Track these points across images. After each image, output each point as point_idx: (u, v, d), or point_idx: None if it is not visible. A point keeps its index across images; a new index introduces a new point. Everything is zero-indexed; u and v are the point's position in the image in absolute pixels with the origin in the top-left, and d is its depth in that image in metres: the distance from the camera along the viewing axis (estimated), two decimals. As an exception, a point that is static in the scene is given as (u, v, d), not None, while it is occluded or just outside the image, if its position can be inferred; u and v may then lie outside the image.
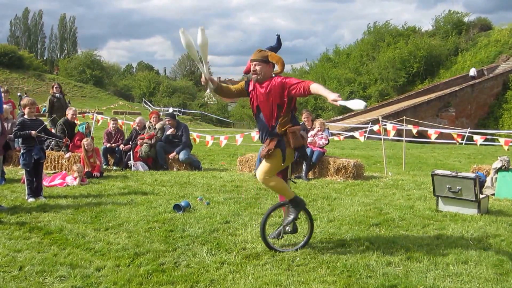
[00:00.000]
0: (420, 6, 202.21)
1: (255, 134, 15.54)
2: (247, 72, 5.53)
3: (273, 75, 5.36)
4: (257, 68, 5.30)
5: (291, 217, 5.49)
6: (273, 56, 5.30)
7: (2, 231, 6.33)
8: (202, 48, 5.38)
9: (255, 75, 5.33)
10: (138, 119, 13.64)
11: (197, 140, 15.64)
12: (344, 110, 51.57)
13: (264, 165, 5.34)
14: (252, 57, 5.38)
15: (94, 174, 10.64)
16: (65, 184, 9.76)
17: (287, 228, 5.66)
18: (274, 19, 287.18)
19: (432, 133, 15.00)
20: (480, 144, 18.35)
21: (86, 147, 10.84)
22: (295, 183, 6.74)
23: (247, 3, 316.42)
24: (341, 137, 21.06)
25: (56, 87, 13.88)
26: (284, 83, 5.20)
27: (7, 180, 10.04)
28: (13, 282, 4.62)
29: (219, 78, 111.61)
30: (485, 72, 48.16)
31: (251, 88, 5.50)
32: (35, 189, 8.48)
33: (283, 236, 5.76)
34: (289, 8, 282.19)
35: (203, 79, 5.44)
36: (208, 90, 5.56)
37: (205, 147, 17.27)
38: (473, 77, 47.08)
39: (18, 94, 40.75)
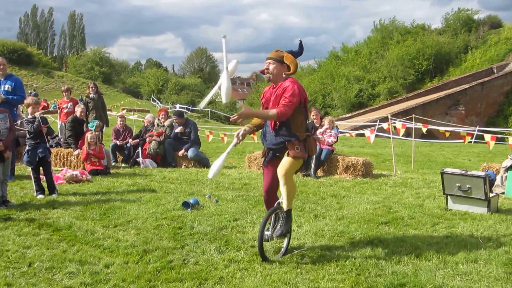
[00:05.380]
0: (435, 3, 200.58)
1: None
2: (263, 71, 5.53)
3: (284, 75, 5.34)
4: (270, 67, 5.29)
5: (284, 229, 5.29)
6: (288, 57, 5.27)
7: (11, 227, 6.36)
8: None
9: (266, 74, 5.34)
10: (147, 116, 13.67)
11: (211, 137, 15.60)
12: (353, 108, 51.55)
13: (289, 163, 5.25)
14: (269, 55, 5.37)
15: (99, 171, 10.63)
16: (65, 174, 9.78)
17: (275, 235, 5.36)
18: (286, 16, 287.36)
19: (444, 132, 14.89)
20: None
21: (89, 140, 10.81)
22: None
23: (259, 0, 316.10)
24: (353, 134, 21.02)
25: (92, 87, 13.56)
26: (285, 91, 5.18)
27: (17, 177, 10.08)
28: (22, 278, 4.64)
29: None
30: (495, 70, 47.87)
31: (266, 89, 5.58)
32: (48, 188, 8.52)
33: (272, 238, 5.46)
34: (302, 5, 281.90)
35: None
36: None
37: (214, 144, 17.28)
38: None
39: (29, 91, 40.95)
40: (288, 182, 5.28)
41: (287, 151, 5.28)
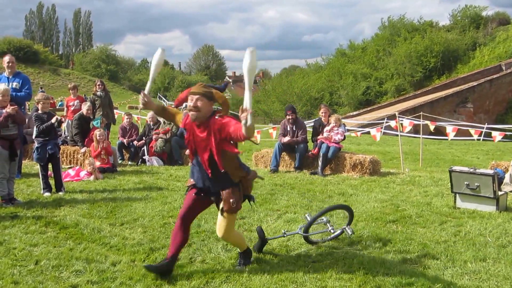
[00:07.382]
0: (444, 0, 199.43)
1: (272, 130, 16.38)
2: (179, 104, 5.10)
3: (217, 116, 4.59)
4: (199, 103, 4.47)
5: (241, 268, 4.93)
6: (218, 95, 4.64)
7: (18, 225, 6.38)
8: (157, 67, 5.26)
9: (194, 112, 4.50)
10: (149, 113, 13.66)
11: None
12: (360, 106, 51.35)
13: (224, 220, 4.69)
14: (193, 89, 4.60)
15: (106, 169, 10.63)
16: (79, 179, 9.81)
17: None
18: (293, 13, 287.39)
19: (450, 131, 14.79)
20: (498, 141, 18.12)
21: (97, 137, 10.79)
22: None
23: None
24: (358, 133, 20.93)
25: (99, 85, 13.48)
26: (223, 126, 4.45)
27: (23, 174, 10.10)
28: (29, 276, 4.65)
29: (234, 72, 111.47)
30: (503, 67, 47.57)
31: (185, 122, 4.79)
32: (56, 185, 8.53)
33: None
34: (309, 2, 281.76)
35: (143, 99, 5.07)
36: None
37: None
38: None
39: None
40: (231, 238, 4.88)
41: (220, 205, 4.69)
